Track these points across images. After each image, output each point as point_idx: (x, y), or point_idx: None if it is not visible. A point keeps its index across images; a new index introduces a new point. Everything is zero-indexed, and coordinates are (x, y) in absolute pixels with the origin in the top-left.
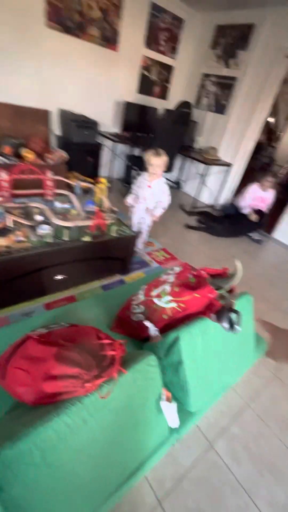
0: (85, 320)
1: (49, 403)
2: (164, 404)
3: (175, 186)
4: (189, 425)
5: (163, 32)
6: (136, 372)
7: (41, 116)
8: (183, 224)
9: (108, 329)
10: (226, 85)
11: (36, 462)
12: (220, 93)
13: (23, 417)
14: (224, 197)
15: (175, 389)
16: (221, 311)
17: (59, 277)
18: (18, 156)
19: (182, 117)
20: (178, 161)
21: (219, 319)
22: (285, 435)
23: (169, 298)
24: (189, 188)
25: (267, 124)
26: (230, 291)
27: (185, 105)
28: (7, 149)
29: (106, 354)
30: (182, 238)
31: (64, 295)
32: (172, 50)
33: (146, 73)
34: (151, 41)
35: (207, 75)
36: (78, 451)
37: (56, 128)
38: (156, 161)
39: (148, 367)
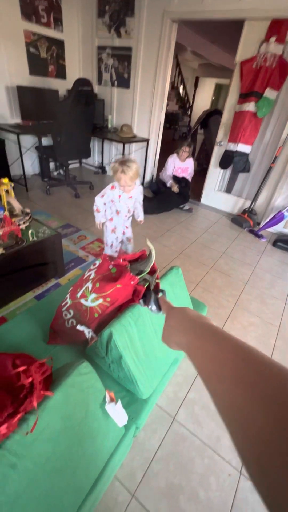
0: (19, 341)
1: None
2: (108, 408)
3: (99, 171)
4: (146, 412)
5: (40, 1)
6: (68, 388)
7: None
8: None
9: (45, 343)
10: (123, 57)
11: None
12: (120, 65)
13: None
14: (149, 174)
15: (124, 382)
16: (146, 294)
17: None
18: None
19: (84, 97)
20: (96, 145)
21: (145, 303)
22: None
23: (94, 295)
24: None
25: (178, 93)
26: (152, 271)
27: (83, 82)
28: None
29: (24, 384)
30: None
31: None
32: (57, 22)
33: (33, 50)
34: (30, 12)
35: (101, 48)
36: (14, 500)
37: None
38: (126, 177)
39: (81, 377)
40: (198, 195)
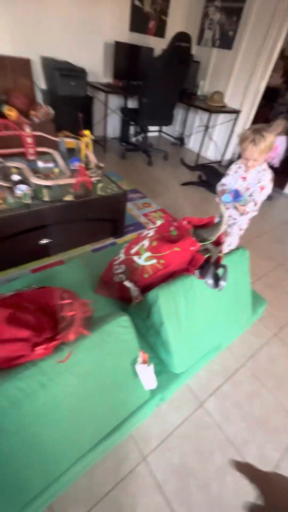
0: (70, 283)
1: (4, 369)
2: (139, 367)
3: (178, 143)
4: (174, 386)
5: None
6: (105, 334)
7: (22, 66)
8: (182, 182)
9: (93, 291)
10: (233, 10)
11: None
12: (227, 21)
13: None
14: (231, 151)
15: (159, 350)
16: (205, 265)
17: (44, 241)
18: (0, 114)
19: (181, 54)
20: (180, 114)
21: (202, 274)
22: (280, 393)
23: (148, 254)
24: (194, 143)
25: (286, 65)
26: (217, 243)
27: (182, 37)
28: None
29: (65, 315)
30: (182, 198)
31: (52, 260)
32: None
33: (138, 3)
34: None
35: (210, 0)
36: (38, 415)
37: (40, 81)
38: (254, 152)
39: (119, 329)
40: (282, 183)
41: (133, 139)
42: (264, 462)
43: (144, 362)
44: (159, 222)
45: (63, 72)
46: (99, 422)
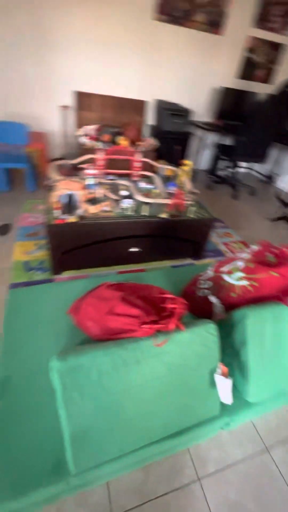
0: None
1: (110, 339)
2: (218, 377)
3: (266, 180)
4: (244, 414)
5: (277, 6)
6: (194, 335)
7: (139, 106)
8: (271, 217)
9: None
10: None
11: (93, 379)
12: None
13: (87, 346)
14: None
15: (234, 373)
16: None
17: (133, 249)
18: (114, 143)
19: (286, 98)
20: (275, 153)
21: None
22: None
23: (241, 274)
24: (284, 183)
25: None
26: None
27: None
28: (106, 137)
29: (166, 307)
30: (267, 233)
31: (136, 267)
32: (286, 25)
33: (250, 55)
34: (261, 18)
35: None
36: (128, 387)
37: (150, 118)
38: None
39: (207, 334)
40: None
41: (221, 173)
42: None
43: (223, 374)
44: (255, 247)
45: (171, 111)
46: (170, 418)
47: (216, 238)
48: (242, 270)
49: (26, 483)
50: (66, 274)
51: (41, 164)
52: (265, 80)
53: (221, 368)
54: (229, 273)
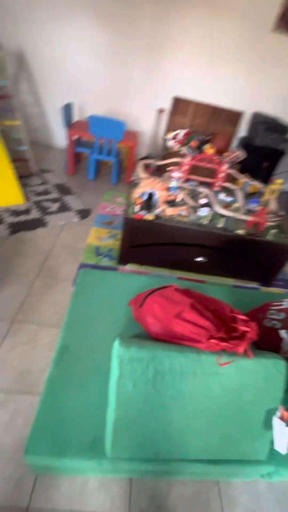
0: None
1: (169, 342)
2: (277, 422)
3: None
4: (286, 473)
5: None
6: (260, 366)
7: (234, 117)
8: None
9: None
10: None
11: (148, 375)
12: None
13: (148, 342)
14: None
15: None
16: None
17: (200, 259)
18: (200, 150)
19: None
20: None
21: None
22: None
23: None
24: None
25: None
26: None
27: None
28: (193, 143)
29: (238, 327)
30: None
31: (197, 277)
32: None
33: None
34: None
35: None
36: (179, 395)
37: (242, 130)
38: None
39: (274, 370)
40: None
41: None
42: None
43: (283, 419)
44: None
45: (267, 125)
46: (212, 442)
47: None
48: None
49: (65, 447)
50: (129, 267)
51: (128, 160)
52: None
53: (282, 412)
54: None
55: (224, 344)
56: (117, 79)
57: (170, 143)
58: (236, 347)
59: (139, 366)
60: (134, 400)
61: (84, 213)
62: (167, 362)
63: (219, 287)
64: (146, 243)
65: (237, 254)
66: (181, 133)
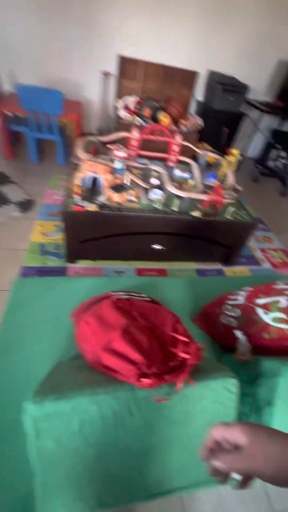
0: (170, 299)
1: (104, 373)
2: None
3: None
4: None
5: None
6: (207, 390)
7: (188, 78)
8: None
9: (190, 318)
10: None
11: (73, 429)
12: None
13: (78, 374)
14: None
15: None
16: None
17: (157, 246)
18: (155, 119)
19: None
20: None
21: None
22: None
23: (281, 316)
24: None
25: None
26: None
27: None
28: (146, 112)
29: (177, 354)
30: None
31: (157, 266)
32: None
33: None
34: None
35: None
36: (116, 440)
37: (199, 93)
38: None
39: (224, 391)
40: None
41: (271, 163)
42: None
43: None
44: None
45: (226, 87)
46: (164, 475)
47: (252, 243)
48: (284, 311)
49: None
50: (81, 264)
51: (75, 136)
52: None
53: None
54: (265, 308)
55: (159, 382)
56: (46, 38)
57: (122, 114)
58: (174, 379)
59: (59, 422)
60: (60, 458)
61: (26, 205)
62: (94, 409)
63: (181, 280)
64: (94, 237)
65: (196, 237)
66: (131, 100)
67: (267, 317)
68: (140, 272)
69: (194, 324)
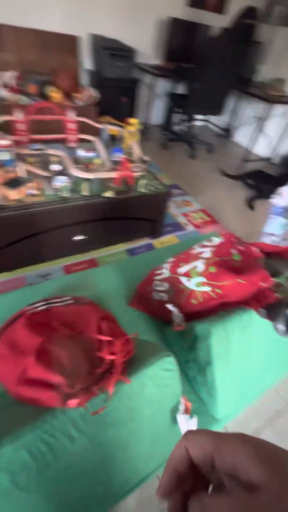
0: (104, 289)
1: (29, 404)
2: (180, 418)
3: (224, 134)
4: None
5: None
6: (145, 378)
7: (70, 44)
8: (231, 180)
9: (126, 302)
10: None
11: (4, 487)
12: None
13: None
14: (287, 147)
15: (200, 389)
16: (276, 306)
17: (78, 237)
18: (44, 96)
19: (245, 33)
20: (231, 101)
21: (271, 317)
22: None
23: (202, 279)
24: (242, 136)
25: None
26: None
27: (249, 13)
28: (32, 88)
29: (104, 357)
30: (227, 198)
31: (85, 258)
32: None
33: None
34: None
35: None
36: (64, 468)
37: (87, 61)
38: None
39: (163, 372)
40: None
41: (177, 128)
42: None
43: (187, 411)
44: (217, 240)
45: (111, 51)
46: (129, 474)
47: (174, 209)
48: (203, 275)
49: None
50: None
51: None
52: (218, 9)
53: (184, 404)
54: (188, 276)
55: (88, 396)
56: None
57: (2, 93)
58: (105, 387)
59: None
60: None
61: None
62: (24, 455)
63: (111, 266)
64: (1, 246)
65: (117, 218)
66: (9, 76)
67: (190, 284)
68: (68, 269)
69: (133, 308)
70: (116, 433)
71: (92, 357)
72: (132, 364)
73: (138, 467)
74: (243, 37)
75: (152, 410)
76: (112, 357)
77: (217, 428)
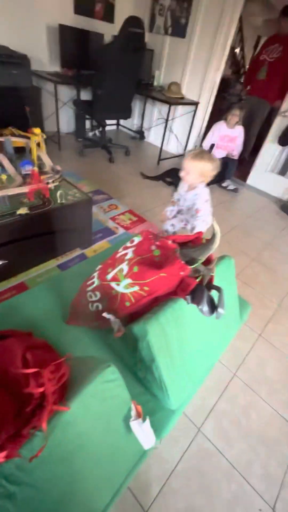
0: (36, 313)
1: None
2: (134, 425)
3: (138, 136)
4: (171, 424)
5: None
6: (88, 398)
7: None
8: (152, 179)
9: (64, 321)
10: None
11: None
12: (178, 8)
13: None
14: (193, 143)
15: (151, 386)
16: (197, 290)
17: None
18: None
19: (134, 41)
20: (138, 106)
21: (196, 301)
22: (274, 399)
23: (129, 281)
24: (154, 137)
25: (233, 55)
26: (207, 262)
27: (134, 22)
28: None
29: (32, 392)
30: (150, 196)
31: (11, 283)
32: None
33: None
34: None
35: None
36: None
37: None
38: (188, 164)
39: (105, 385)
40: (244, 175)
41: (90, 134)
42: (271, 483)
43: (139, 415)
44: (136, 239)
45: (2, 58)
46: (95, 502)
47: (101, 215)
48: (129, 276)
49: None
50: None
51: None
52: (106, 18)
53: (134, 409)
54: (116, 280)
55: (18, 443)
56: None
57: None
58: (38, 422)
59: None
60: None
61: None
62: None
63: (41, 286)
64: None
65: (40, 235)
66: None
67: (120, 288)
68: None
69: (72, 326)
70: (69, 466)
71: (20, 395)
72: (70, 387)
73: (102, 492)
74: (132, 45)
75: (103, 427)
76: (40, 390)
77: (174, 419)
